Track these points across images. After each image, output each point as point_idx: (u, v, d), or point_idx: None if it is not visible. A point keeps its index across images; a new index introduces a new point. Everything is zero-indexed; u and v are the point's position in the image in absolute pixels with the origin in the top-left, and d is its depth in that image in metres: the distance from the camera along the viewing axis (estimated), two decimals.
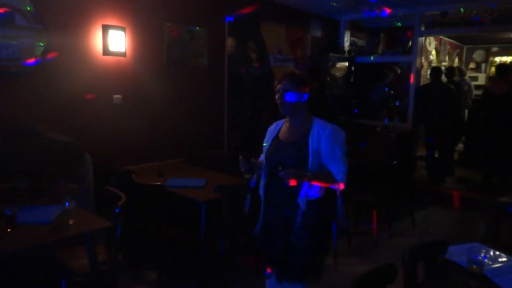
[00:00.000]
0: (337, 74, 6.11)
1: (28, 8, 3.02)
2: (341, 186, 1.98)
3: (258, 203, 2.19)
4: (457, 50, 9.88)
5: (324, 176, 1.95)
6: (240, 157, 2.09)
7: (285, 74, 2.06)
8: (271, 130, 2.19)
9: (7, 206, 2.07)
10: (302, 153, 1.96)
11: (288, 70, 2.09)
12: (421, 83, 6.31)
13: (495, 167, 5.39)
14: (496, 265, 1.80)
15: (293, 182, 1.89)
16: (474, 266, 1.66)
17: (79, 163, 2.98)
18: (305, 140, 1.98)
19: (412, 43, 5.96)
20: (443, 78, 6.20)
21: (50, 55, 3.18)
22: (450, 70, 6.57)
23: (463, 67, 8.77)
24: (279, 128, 2.16)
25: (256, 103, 4.98)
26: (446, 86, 5.84)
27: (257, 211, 2.19)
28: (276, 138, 2.12)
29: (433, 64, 8.42)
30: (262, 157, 2.16)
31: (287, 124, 2.12)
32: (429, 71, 6.29)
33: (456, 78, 6.77)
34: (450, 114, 5.62)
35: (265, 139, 2.19)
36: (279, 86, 2.02)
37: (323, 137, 1.95)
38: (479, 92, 9.36)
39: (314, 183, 1.94)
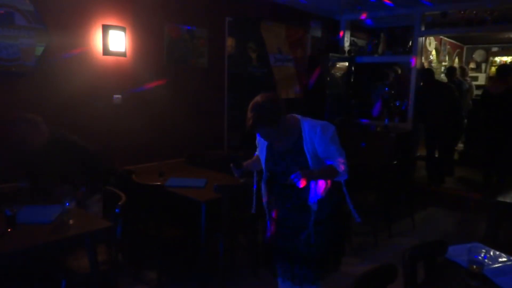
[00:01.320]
0: (337, 74, 6.11)
1: (28, 8, 3.02)
2: (343, 168, 1.97)
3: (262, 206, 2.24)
4: (457, 50, 9.87)
5: (328, 170, 1.98)
6: (231, 165, 2.10)
7: (250, 119, 1.94)
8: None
9: (7, 206, 2.07)
10: (301, 160, 1.98)
11: (251, 114, 1.95)
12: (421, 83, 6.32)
13: (495, 167, 5.39)
14: (496, 265, 1.80)
15: (303, 183, 1.87)
16: (474, 266, 1.65)
17: (105, 180, 3.00)
18: (300, 147, 1.99)
19: (412, 43, 5.96)
20: (443, 77, 6.21)
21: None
22: (450, 70, 6.57)
23: (465, 66, 8.76)
24: None
25: None
26: (446, 86, 5.84)
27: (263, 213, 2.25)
28: (269, 147, 2.11)
29: (433, 64, 8.43)
30: (262, 162, 2.16)
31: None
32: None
33: (459, 78, 6.77)
34: (449, 114, 5.62)
35: (257, 141, 2.19)
36: (250, 128, 1.96)
37: (316, 140, 1.96)
38: (479, 92, 9.38)
39: (321, 177, 1.98)
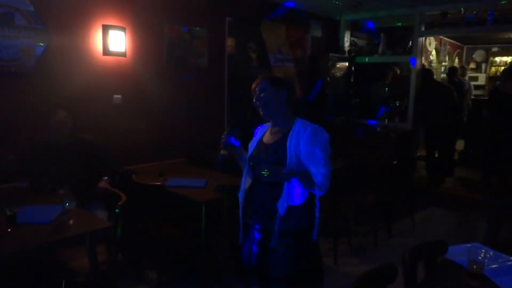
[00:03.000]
0: (337, 74, 6.11)
1: (28, 8, 3.02)
2: (321, 180, 1.83)
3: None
4: (457, 50, 9.88)
5: (302, 176, 1.84)
6: (227, 132, 2.03)
7: (262, 76, 2.02)
8: (258, 132, 2.13)
9: (7, 206, 2.07)
10: (279, 154, 1.90)
11: (264, 74, 2.06)
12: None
13: (497, 167, 5.39)
14: (496, 265, 1.80)
15: (271, 177, 1.83)
16: (474, 266, 1.66)
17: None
18: (284, 141, 1.91)
19: (412, 43, 5.97)
20: (443, 77, 6.21)
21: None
22: (452, 70, 6.58)
23: (466, 66, 8.77)
24: (264, 131, 2.11)
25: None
26: (445, 86, 5.84)
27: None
28: (260, 141, 2.07)
29: (433, 64, 8.43)
30: (248, 154, 2.10)
31: (271, 127, 2.07)
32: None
33: (459, 77, 6.78)
34: (449, 114, 5.62)
35: (251, 141, 2.13)
36: (256, 88, 1.98)
37: (302, 138, 1.86)
38: (479, 92, 9.40)
39: (293, 180, 1.85)
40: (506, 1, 4.99)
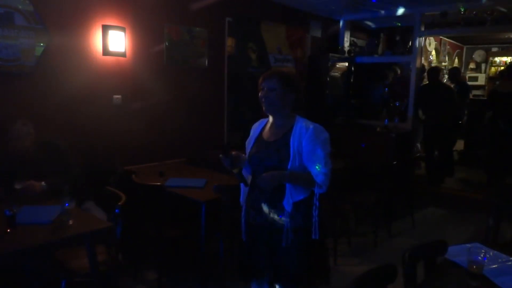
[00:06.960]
0: (337, 74, 6.11)
1: (28, 8, 3.02)
2: (322, 179, 1.86)
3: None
4: (457, 50, 9.89)
5: (303, 177, 1.88)
6: (220, 156, 1.97)
7: (273, 71, 2.01)
8: (255, 129, 2.11)
9: (7, 206, 2.07)
10: (283, 153, 1.90)
11: (276, 69, 2.05)
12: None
13: (498, 167, 5.39)
14: (496, 265, 1.80)
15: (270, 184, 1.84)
16: (474, 266, 1.66)
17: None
18: (286, 139, 1.92)
19: (412, 43, 5.96)
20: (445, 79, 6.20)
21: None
22: (455, 71, 6.58)
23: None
24: (262, 127, 2.09)
25: (256, 103, 4.96)
26: (446, 87, 5.84)
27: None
28: (258, 137, 2.05)
29: (433, 64, 8.43)
30: (246, 153, 2.07)
31: (270, 123, 2.06)
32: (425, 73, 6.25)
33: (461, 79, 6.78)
34: (448, 115, 5.62)
35: (248, 138, 2.10)
36: (264, 84, 1.96)
37: (305, 137, 1.88)
38: (478, 92, 9.40)
39: (293, 182, 1.86)
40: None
